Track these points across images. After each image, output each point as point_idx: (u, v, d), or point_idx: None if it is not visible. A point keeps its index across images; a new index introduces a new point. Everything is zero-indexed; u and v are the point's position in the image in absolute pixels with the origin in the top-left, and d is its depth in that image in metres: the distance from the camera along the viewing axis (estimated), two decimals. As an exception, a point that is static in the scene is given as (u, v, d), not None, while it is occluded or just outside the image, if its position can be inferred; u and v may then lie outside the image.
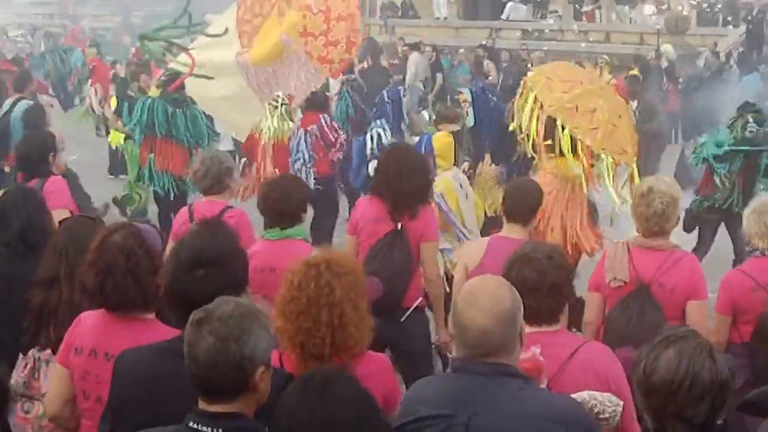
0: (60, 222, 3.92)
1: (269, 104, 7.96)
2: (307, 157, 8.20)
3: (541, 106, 5.68)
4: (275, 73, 6.72)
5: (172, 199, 8.19)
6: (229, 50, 6.75)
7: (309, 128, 8.33)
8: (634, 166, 5.86)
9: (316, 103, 8.40)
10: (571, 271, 3.29)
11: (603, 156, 5.65)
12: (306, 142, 8.23)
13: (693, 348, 2.34)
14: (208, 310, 2.30)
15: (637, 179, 5.69)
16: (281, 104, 8.44)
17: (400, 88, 12.09)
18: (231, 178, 5.23)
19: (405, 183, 4.73)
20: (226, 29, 6.74)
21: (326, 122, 8.39)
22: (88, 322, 3.10)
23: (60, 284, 3.51)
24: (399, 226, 4.73)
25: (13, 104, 8.54)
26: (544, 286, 2.99)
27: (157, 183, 8.25)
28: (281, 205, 4.41)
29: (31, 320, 3.56)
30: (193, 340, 2.27)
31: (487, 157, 8.26)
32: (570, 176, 5.75)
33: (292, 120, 8.71)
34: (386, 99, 10.72)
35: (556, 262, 3.07)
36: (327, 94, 9.48)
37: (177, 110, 8.03)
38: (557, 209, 5.73)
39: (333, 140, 8.32)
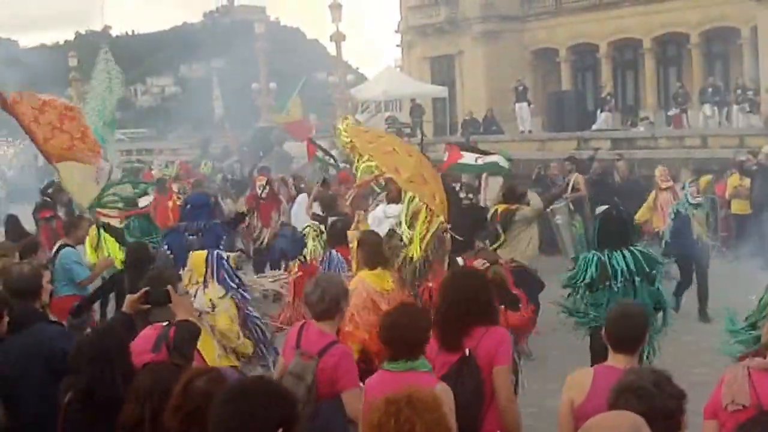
0: (144, 365, 3.90)
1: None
2: None
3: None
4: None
5: None
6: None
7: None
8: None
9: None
10: (683, 397, 3.27)
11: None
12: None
13: None
14: None
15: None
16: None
17: None
18: (346, 301, 5.04)
19: (451, 307, 4.58)
20: None
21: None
22: None
23: (144, 428, 3.43)
24: (467, 352, 4.49)
25: (57, 250, 8.35)
26: (655, 415, 2.94)
27: None
28: (409, 335, 4.24)
29: None
30: None
31: None
32: None
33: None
34: None
35: (665, 390, 3.07)
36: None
37: None
38: None
39: None
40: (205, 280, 6.20)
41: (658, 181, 13.45)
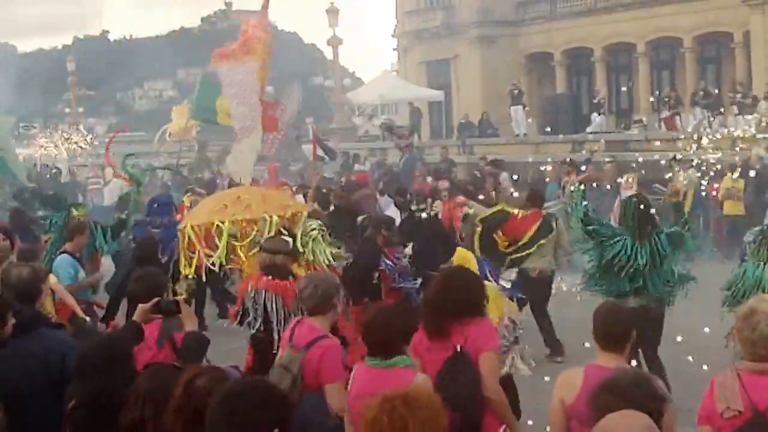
0: (145, 366, 3.90)
1: None
2: None
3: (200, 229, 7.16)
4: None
5: None
6: None
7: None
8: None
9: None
10: (662, 399, 3.30)
11: (267, 217, 7.14)
12: None
13: None
14: None
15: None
16: None
17: None
18: (338, 297, 5.19)
19: (444, 300, 4.61)
20: None
21: None
22: None
23: (144, 429, 3.40)
24: (458, 347, 4.50)
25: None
26: None
27: None
28: (383, 335, 4.30)
29: None
30: None
31: None
32: None
33: None
34: None
35: (642, 390, 3.12)
36: None
37: None
38: None
39: None
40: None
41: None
